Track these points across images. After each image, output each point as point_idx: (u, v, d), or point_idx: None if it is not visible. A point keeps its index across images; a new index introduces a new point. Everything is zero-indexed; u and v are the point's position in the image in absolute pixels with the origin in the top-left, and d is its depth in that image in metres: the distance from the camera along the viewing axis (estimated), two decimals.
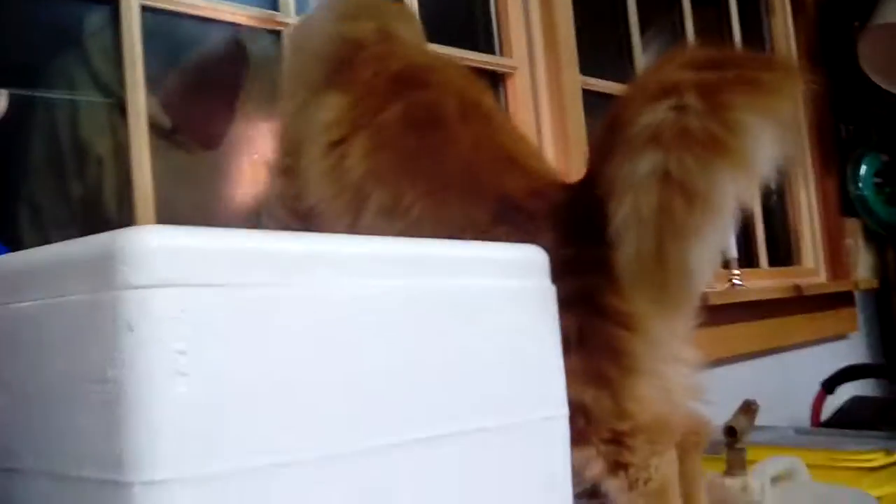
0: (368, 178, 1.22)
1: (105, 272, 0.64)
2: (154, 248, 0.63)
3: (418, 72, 1.32)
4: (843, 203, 3.04)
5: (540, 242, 1.08)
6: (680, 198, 0.93)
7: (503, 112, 1.75)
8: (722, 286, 2.38)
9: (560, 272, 0.98)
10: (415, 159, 1.22)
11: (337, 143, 1.26)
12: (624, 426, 1.05)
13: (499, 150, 1.26)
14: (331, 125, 1.27)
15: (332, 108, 1.28)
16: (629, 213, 0.95)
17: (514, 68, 2.07)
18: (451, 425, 0.80)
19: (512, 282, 0.90)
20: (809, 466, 1.57)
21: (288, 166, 1.34)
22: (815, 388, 2.34)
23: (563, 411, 0.94)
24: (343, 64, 1.32)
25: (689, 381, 1.15)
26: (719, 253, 0.99)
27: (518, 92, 2.07)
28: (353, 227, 1.23)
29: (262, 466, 0.66)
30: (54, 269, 0.70)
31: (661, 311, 1.04)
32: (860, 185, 3.04)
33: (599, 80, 2.27)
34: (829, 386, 2.32)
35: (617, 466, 1.05)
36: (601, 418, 1.05)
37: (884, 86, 2.90)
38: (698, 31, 2.73)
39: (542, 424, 0.90)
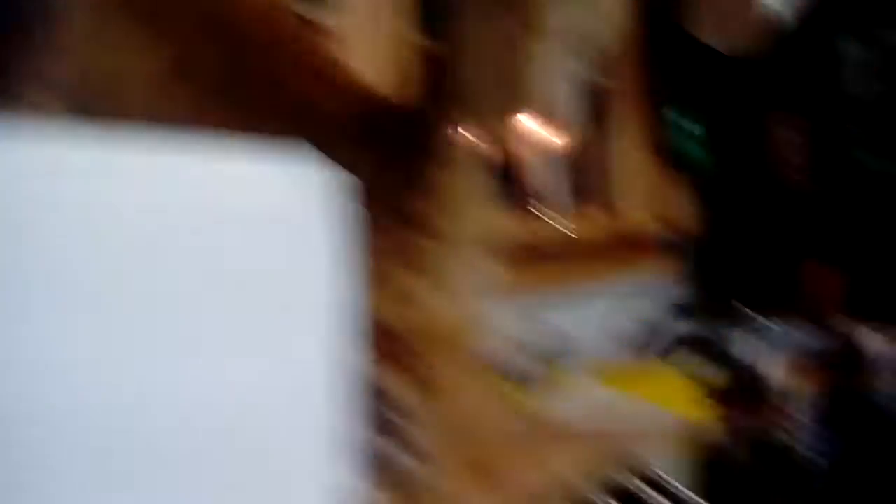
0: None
1: None
2: None
3: None
4: (661, 149, 3.17)
5: (345, 152, 1.11)
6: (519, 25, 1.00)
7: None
8: (536, 226, 2.44)
9: (367, 182, 1.02)
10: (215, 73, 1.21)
11: None
12: (421, 342, 1.12)
13: (304, 56, 1.26)
14: None
15: None
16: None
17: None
18: (219, 344, 0.83)
19: (292, 200, 0.93)
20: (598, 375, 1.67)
21: None
22: (625, 328, 2.46)
23: (337, 331, 0.97)
24: None
25: (486, 293, 1.21)
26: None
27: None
28: None
29: None
30: None
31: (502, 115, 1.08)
32: (678, 132, 3.17)
33: None
34: (639, 327, 2.44)
35: (413, 379, 1.11)
36: (403, 334, 1.11)
37: (705, 40, 3.02)
38: None
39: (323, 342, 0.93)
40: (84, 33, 1.29)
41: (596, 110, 2.36)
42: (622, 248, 2.77)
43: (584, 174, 2.94)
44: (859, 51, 2.31)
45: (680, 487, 1.59)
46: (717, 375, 1.93)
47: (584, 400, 1.61)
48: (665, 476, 1.58)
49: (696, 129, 3.22)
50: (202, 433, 0.79)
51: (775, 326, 2.50)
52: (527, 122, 1.09)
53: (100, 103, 1.26)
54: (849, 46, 2.45)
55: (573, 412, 1.55)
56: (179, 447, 0.77)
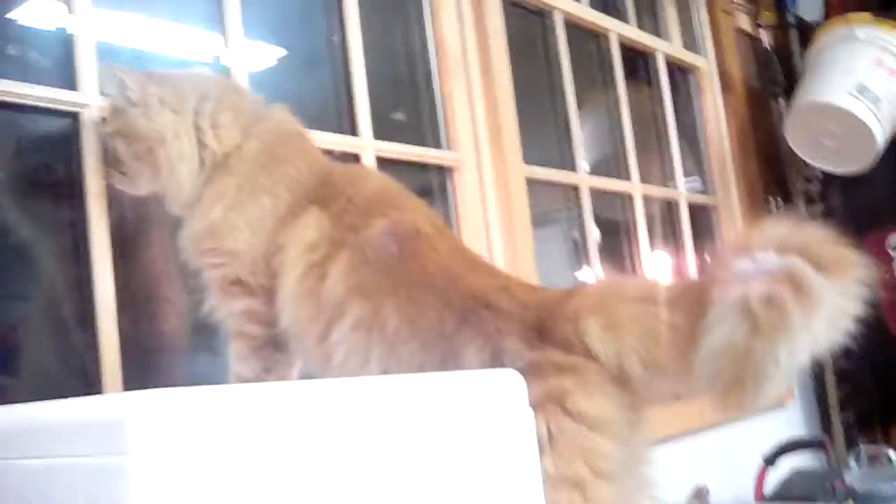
0: (350, 294, 1.27)
1: (113, 437, 0.68)
2: (164, 414, 0.68)
3: (391, 193, 1.41)
4: None
5: (505, 344, 1.18)
6: (790, 290, 1.03)
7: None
8: None
9: (527, 373, 1.03)
10: (397, 268, 1.29)
11: (318, 264, 1.30)
12: None
13: (468, 255, 1.39)
14: (313, 245, 1.30)
15: (312, 226, 1.31)
16: (733, 300, 1.05)
17: (461, 161, 2.14)
18: None
19: (489, 412, 0.95)
20: None
21: (250, 285, 1.34)
22: (757, 459, 2.42)
23: None
24: (319, 180, 1.38)
25: (647, 479, 1.23)
26: (802, 359, 1.08)
27: (465, 184, 2.14)
28: (321, 344, 1.28)
29: None
30: (61, 428, 0.74)
31: (725, 406, 1.11)
32: None
33: (542, 169, 2.36)
34: (770, 459, 2.40)
35: None
36: None
37: (809, 160, 3.03)
38: (632, 109, 2.84)
39: None
40: None
41: None
42: None
43: None
44: None
45: None
46: None
47: None
48: None
49: None
50: None
51: None
52: None
53: None
54: None
55: None
56: None
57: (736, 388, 1.07)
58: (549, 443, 1.12)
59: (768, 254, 1.07)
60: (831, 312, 1.06)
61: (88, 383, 1.38)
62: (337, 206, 1.33)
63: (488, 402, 0.94)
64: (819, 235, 1.10)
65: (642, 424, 1.22)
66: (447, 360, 1.22)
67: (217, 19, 1.73)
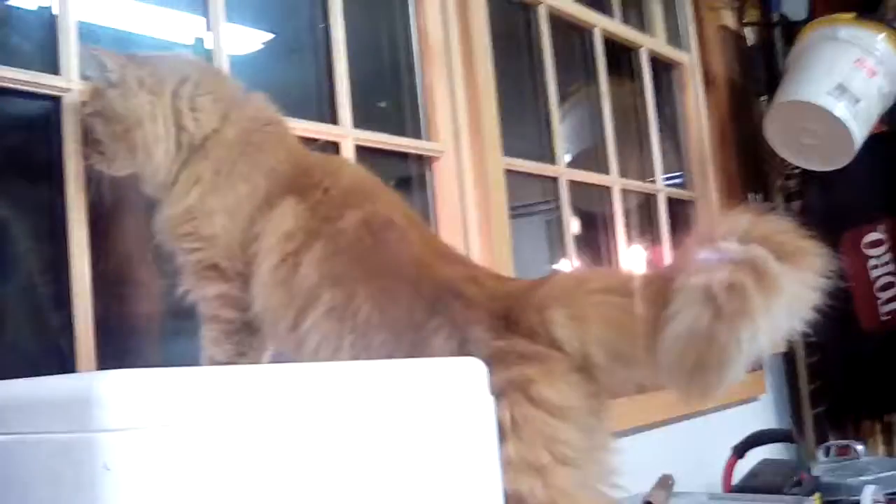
0: (322, 283, 1.30)
1: (82, 414, 0.70)
2: (131, 391, 0.70)
3: (367, 185, 1.43)
4: None
5: (472, 333, 1.21)
6: (752, 278, 1.06)
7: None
8: None
9: (492, 361, 1.07)
10: (371, 257, 1.32)
11: (293, 253, 1.32)
12: None
13: (440, 246, 1.42)
14: (289, 235, 1.32)
15: (289, 216, 1.33)
16: (696, 288, 1.08)
17: (441, 152, 2.16)
18: None
19: (450, 398, 0.97)
20: None
21: (226, 270, 1.36)
22: (727, 451, 2.45)
23: None
24: (296, 170, 1.39)
25: (609, 467, 1.26)
26: (763, 344, 1.10)
27: (444, 174, 2.16)
28: (294, 331, 1.30)
29: None
30: (31, 405, 0.76)
31: (689, 395, 1.15)
32: None
33: (522, 161, 2.38)
34: (740, 451, 2.43)
35: None
36: None
37: (788, 158, 3.06)
38: (614, 103, 2.86)
39: None
40: None
41: None
42: None
43: None
44: None
45: None
46: None
47: None
48: None
49: None
50: None
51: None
52: None
53: None
54: None
55: None
56: None
57: (699, 374, 1.10)
58: (511, 429, 1.14)
59: (731, 243, 1.10)
60: (791, 300, 1.09)
61: (63, 364, 1.39)
62: (313, 197, 1.35)
63: (450, 389, 0.97)
64: (781, 226, 1.13)
65: (605, 413, 1.25)
66: (416, 349, 1.24)
67: (200, 2, 1.74)
